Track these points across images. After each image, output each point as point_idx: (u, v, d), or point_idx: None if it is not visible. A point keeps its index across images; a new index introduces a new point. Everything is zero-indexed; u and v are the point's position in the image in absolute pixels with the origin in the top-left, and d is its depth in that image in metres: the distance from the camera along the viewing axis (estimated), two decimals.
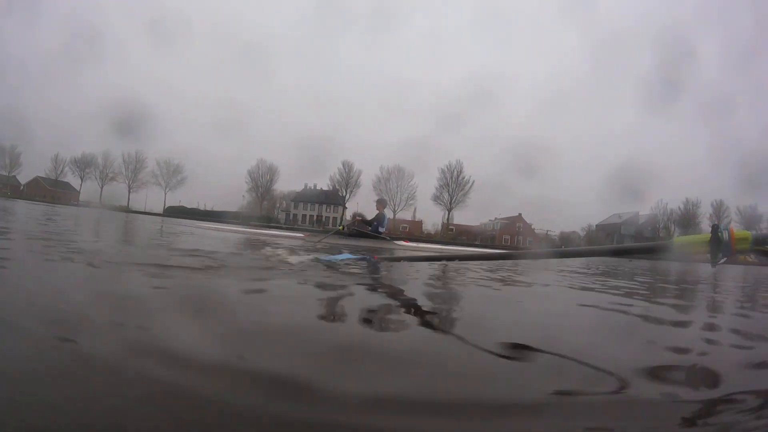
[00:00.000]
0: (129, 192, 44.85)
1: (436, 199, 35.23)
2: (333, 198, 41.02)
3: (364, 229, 6.49)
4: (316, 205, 41.71)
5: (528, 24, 68.48)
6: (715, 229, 1.32)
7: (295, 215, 42.33)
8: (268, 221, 36.85)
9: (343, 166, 36.75)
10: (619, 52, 62.14)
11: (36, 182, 51.29)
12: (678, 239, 1.48)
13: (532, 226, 37.49)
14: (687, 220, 44.18)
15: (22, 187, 50.64)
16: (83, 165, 48.91)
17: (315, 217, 41.47)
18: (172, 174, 42.39)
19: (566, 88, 55.76)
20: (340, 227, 6.73)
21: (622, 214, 44.79)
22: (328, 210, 41.39)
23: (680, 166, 50.98)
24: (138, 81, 43.69)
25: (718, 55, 55.44)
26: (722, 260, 1.32)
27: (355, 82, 60.99)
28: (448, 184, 34.72)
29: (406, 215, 38.22)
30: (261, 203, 38.60)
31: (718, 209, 44.88)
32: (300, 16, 71.79)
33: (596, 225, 45.59)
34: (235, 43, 56.78)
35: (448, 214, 34.88)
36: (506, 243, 34.28)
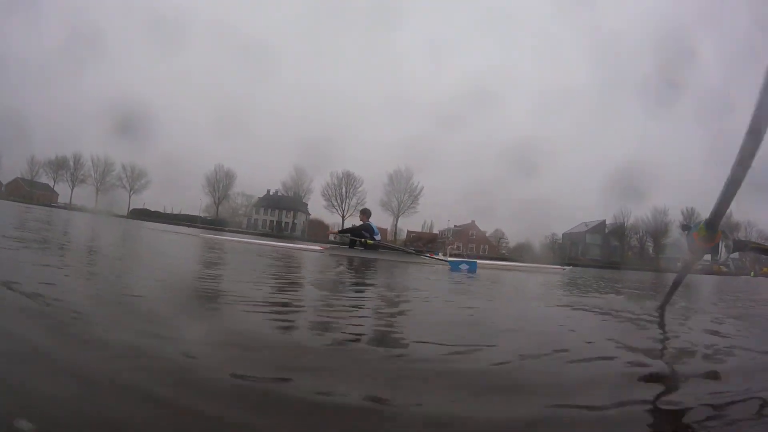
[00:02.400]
0: (97, 194, 46.40)
1: (385, 205, 35.03)
2: (293, 204, 41.05)
3: (346, 235, 6.45)
4: (277, 211, 41.77)
5: (528, 25, 67.53)
6: (684, 229, 1.45)
7: (256, 220, 42.49)
8: (224, 225, 37.20)
9: (295, 171, 36.72)
10: (617, 53, 61.11)
11: (16, 183, 52.50)
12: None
13: (486, 233, 36.94)
14: (656, 228, 43.37)
15: (2, 188, 51.88)
16: (56, 167, 50.39)
17: (275, 223, 41.56)
18: (136, 177, 43.39)
19: (562, 91, 54.99)
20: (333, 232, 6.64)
21: (589, 223, 43.98)
22: (287, 216, 41.42)
23: (678, 167, 49.98)
24: (130, 82, 43.78)
25: (716, 55, 54.20)
26: (724, 257, 1.32)
27: (353, 81, 60.86)
28: (396, 190, 34.46)
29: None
30: (217, 208, 38.80)
31: (689, 217, 43.93)
32: (298, 16, 71.56)
33: (563, 234, 44.85)
34: (233, 44, 57.00)
35: (396, 220, 34.64)
36: (458, 249, 33.81)
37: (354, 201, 35.24)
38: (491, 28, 72.93)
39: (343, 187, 35.45)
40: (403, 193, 34.30)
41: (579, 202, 41.13)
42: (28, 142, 38.32)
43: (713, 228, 1.36)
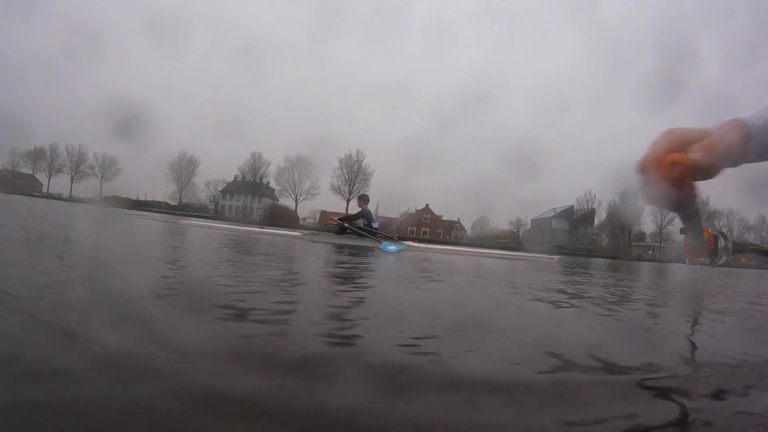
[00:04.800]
0: (72, 183, 47.76)
1: (337, 189, 35.05)
2: (259, 190, 41.36)
3: (352, 225, 6.29)
4: (242, 196, 42.14)
5: (526, 23, 66.77)
6: (683, 233, 1.29)
7: (223, 206, 42.96)
8: (185, 210, 37.91)
9: (252, 156, 36.92)
10: (616, 52, 60.14)
11: (1, 174, 53.92)
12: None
13: (441, 217, 36.70)
14: (628, 213, 42.75)
15: None
16: (35, 158, 51.83)
17: (241, 209, 41.97)
18: (107, 166, 44.43)
19: (559, 89, 54.51)
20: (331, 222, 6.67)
21: (557, 208, 43.56)
22: (253, 201, 41.78)
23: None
24: (128, 81, 44.29)
25: (716, 54, 53.08)
26: (722, 260, 1.31)
27: (353, 82, 60.83)
28: (346, 175, 34.47)
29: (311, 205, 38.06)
30: (181, 194, 39.29)
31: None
32: (297, 16, 71.58)
33: (531, 219, 44.48)
34: (233, 43, 57.12)
35: (347, 204, 34.59)
36: (411, 234, 33.70)
37: (307, 185, 35.44)
38: (490, 26, 72.26)
39: (296, 172, 35.65)
40: (355, 176, 34.37)
41: (577, 198, 41.01)
42: (26, 140, 39.29)
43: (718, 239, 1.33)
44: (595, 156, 44.02)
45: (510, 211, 39.07)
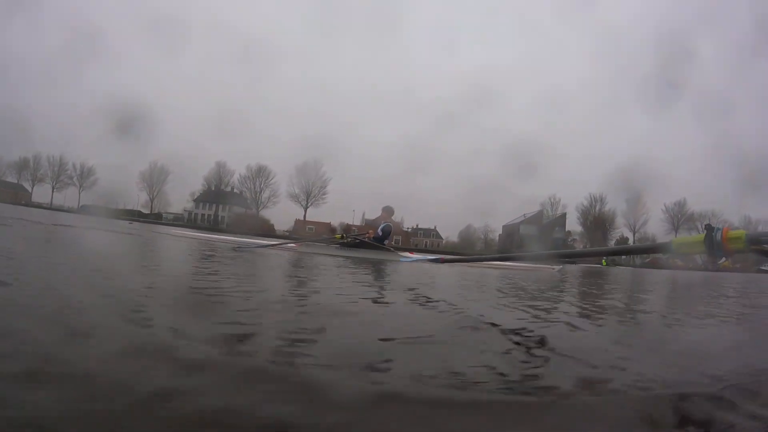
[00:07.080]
0: (53, 192, 48.92)
1: (294, 197, 35.44)
2: (231, 199, 41.99)
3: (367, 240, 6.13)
4: (214, 206, 42.78)
5: (527, 24, 66.64)
6: (708, 229, 1.35)
7: (195, 214, 43.63)
8: (159, 218, 38.71)
9: (217, 165, 37.52)
10: (617, 53, 59.91)
11: None
12: (676, 240, 1.54)
13: (402, 226, 36.84)
14: (594, 217, 42.63)
15: None
16: (19, 168, 53.06)
17: (212, 217, 42.54)
18: (85, 175, 45.55)
19: (560, 91, 54.28)
20: (337, 236, 6.47)
21: (527, 214, 43.48)
22: (223, 210, 42.38)
23: (676, 165, 48.74)
24: (125, 82, 44.57)
25: (716, 56, 52.46)
26: (722, 260, 1.47)
27: (352, 82, 61.02)
28: (303, 182, 34.85)
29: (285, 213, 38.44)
30: (152, 203, 40.04)
31: (634, 203, 42.86)
32: (296, 16, 71.89)
33: (503, 226, 44.41)
34: (230, 43, 57.34)
35: (305, 212, 35.04)
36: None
37: (267, 194, 35.89)
38: (490, 27, 72.16)
39: (256, 180, 36.13)
40: (312, 184, 34.77)
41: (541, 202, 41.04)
42: (28, 142, 40.05)
43: (752, 244, 1.33)
44: (598, 160, 43.80)
45: (508, 217, 38.99)
